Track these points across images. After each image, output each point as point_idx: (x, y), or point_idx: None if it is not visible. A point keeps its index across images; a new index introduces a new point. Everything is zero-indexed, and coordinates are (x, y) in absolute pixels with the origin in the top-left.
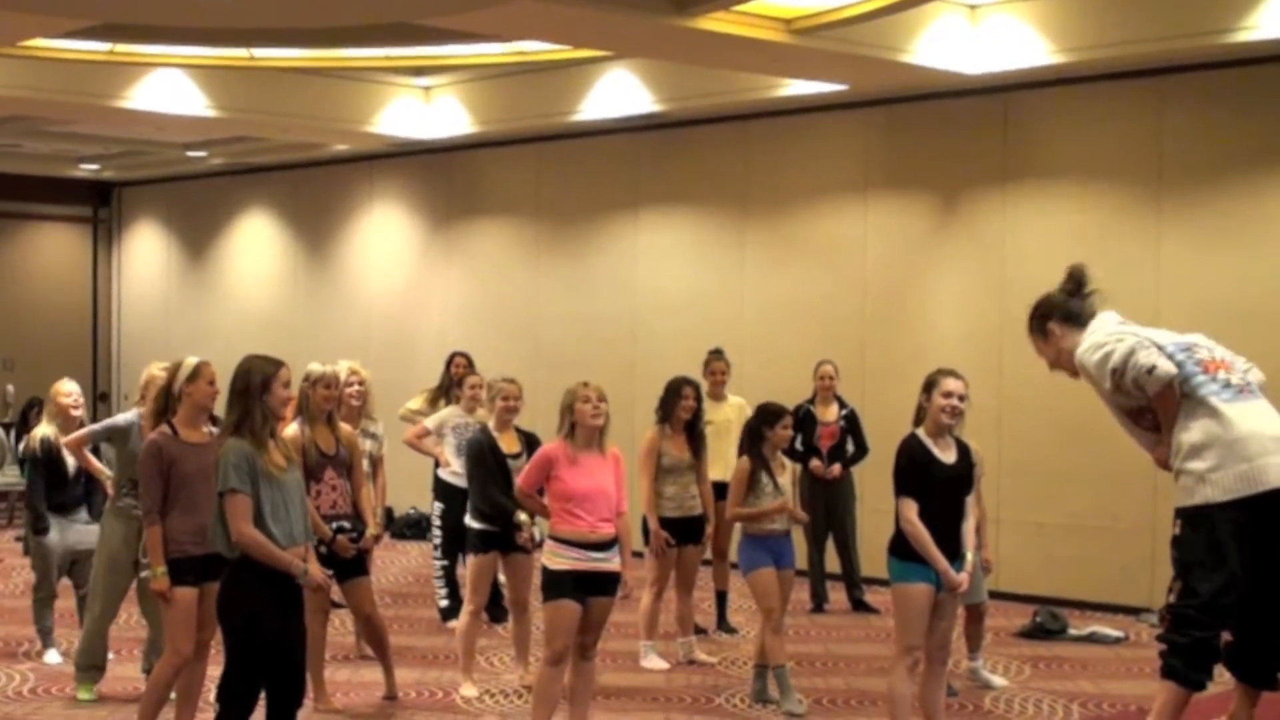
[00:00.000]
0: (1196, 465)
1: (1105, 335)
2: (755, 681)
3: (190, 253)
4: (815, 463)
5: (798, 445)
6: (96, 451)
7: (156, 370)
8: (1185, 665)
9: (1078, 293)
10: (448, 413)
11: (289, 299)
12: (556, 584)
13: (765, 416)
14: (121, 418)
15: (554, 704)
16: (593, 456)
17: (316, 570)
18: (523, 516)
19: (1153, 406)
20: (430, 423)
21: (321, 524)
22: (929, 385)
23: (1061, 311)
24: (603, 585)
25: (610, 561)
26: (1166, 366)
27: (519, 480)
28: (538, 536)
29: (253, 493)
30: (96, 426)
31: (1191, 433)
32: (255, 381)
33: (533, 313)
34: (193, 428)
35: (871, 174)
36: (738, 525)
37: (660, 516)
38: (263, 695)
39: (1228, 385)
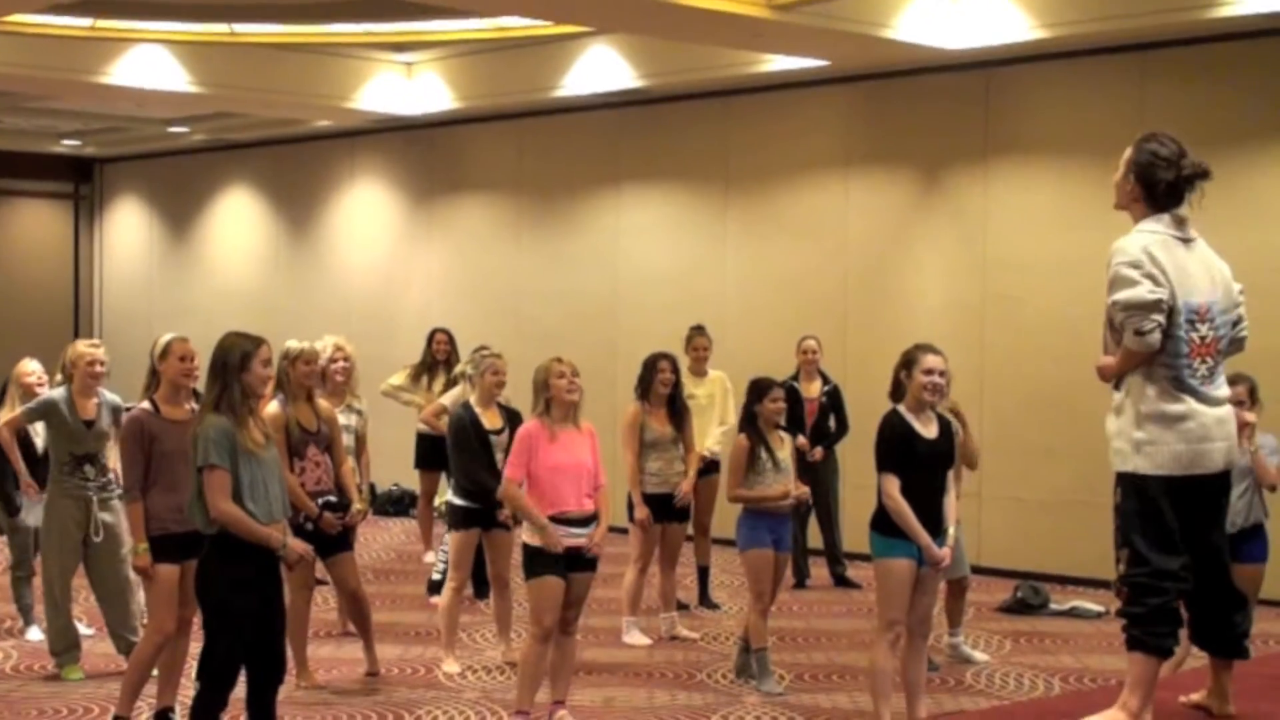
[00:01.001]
0: (1136, 434)
1: (1138, 254)
2: (739, 656)
3: (172, 229)
4: (801, 440)
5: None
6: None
7: (83, 347)
8: (1147, 633)
9: (1177, 185)
10: (461, 390)
11: (271, 275)
12: (539, 561)
13: (754, 391)
14: (54, 393)
15: (540, 680)
16: (570, 432)
17: (296, 543)
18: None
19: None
20: (447, 400)
21: (308, 501)
22: (908, 362)
23: (1148, 177)
24: (584, 560)
25: (584, 539)
26: (1151, 341)
27: (508, 472)
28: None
29: (231, 469)
30: (29, 405)
31: (1144, 402)
32: (234, 358)
33: (514, 289)
34: (174, 405)
35: (853, 150)
36: (724, 500)
37: (644, 492)
38: (244, 673)
39: (1206, 373)
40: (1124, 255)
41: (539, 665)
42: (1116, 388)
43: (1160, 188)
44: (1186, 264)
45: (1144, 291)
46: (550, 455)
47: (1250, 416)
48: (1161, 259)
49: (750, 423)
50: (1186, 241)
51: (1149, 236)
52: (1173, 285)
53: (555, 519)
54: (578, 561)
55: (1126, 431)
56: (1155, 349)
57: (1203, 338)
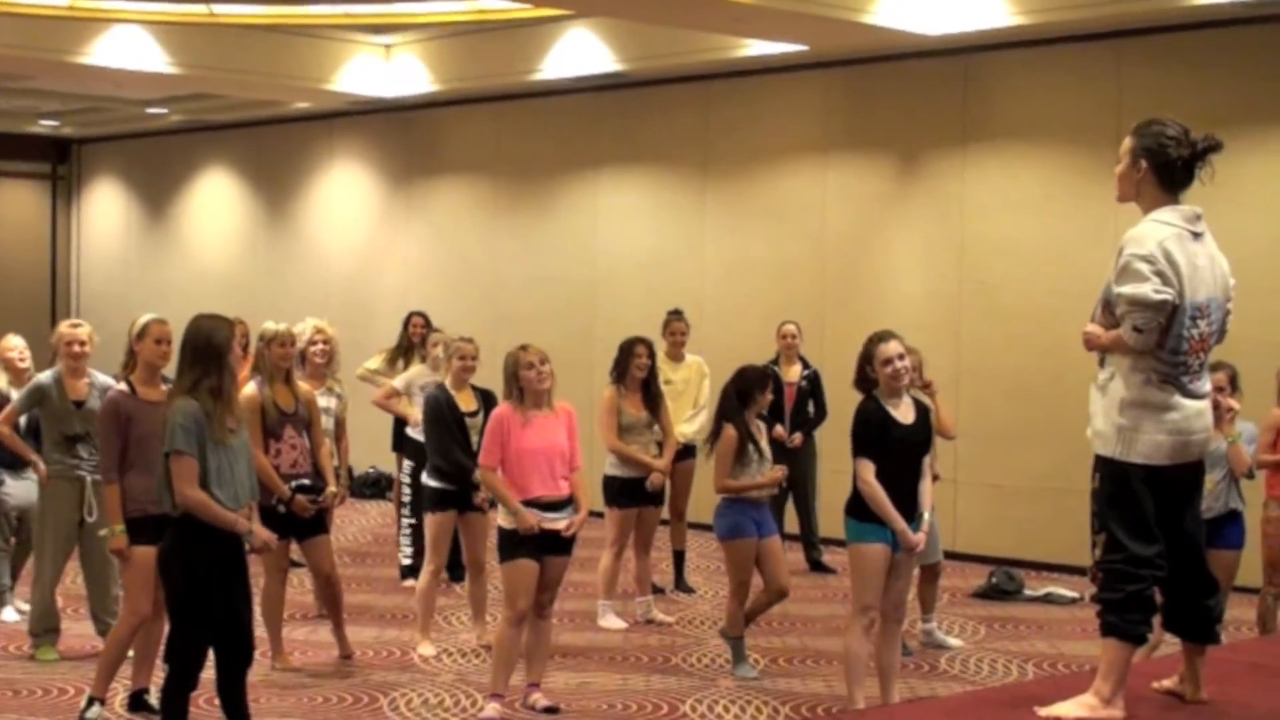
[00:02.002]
0: (1118, 419)
1: (1153, 249)
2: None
3: (150, 210)
4: (779, 429)
5: None
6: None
7: (64, 328)
8: (1122, 619)
9: (1191, 162)
10: (415, 372)
11: (248, 257)
12: (513, 544)
13: (752, 381)
14: (42, 376)
15: (514, 663)
16: (543, 416)
17: (261, 530)
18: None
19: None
20: (398, 382)
21: (279, 483)
22: (868, 355)
23: (1162, 159)
24: (559, 544)
25: (560, 522)
26: (1148, 340)
27: (482, 459)
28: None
29: (199, 455)
30: (21, 394)
31: (1130, 389)
32: (220, 340)
33: (492, 272)
34: (151, 386)
35: (832, 134)
36: (699, 484)
37: (620, 477)
38: (214, 655)
39: (1198, 368)
40: (1139, 247)
41: (513, 648)
42: (1101, 364)
43: (1177, 165)
44: (1197, 259)
45: (1149, 290)
46: (521, 440)
47: (1233, 403)
48: (1176, 256)
49: (738, 413)
50: (1197, 235)
51: (1166, 229)
52: (1183, 284)
53: (526, 504)
54: (552, 545)
55: (1109, 414)
56: (1150, 348)
57: (1201, 334)
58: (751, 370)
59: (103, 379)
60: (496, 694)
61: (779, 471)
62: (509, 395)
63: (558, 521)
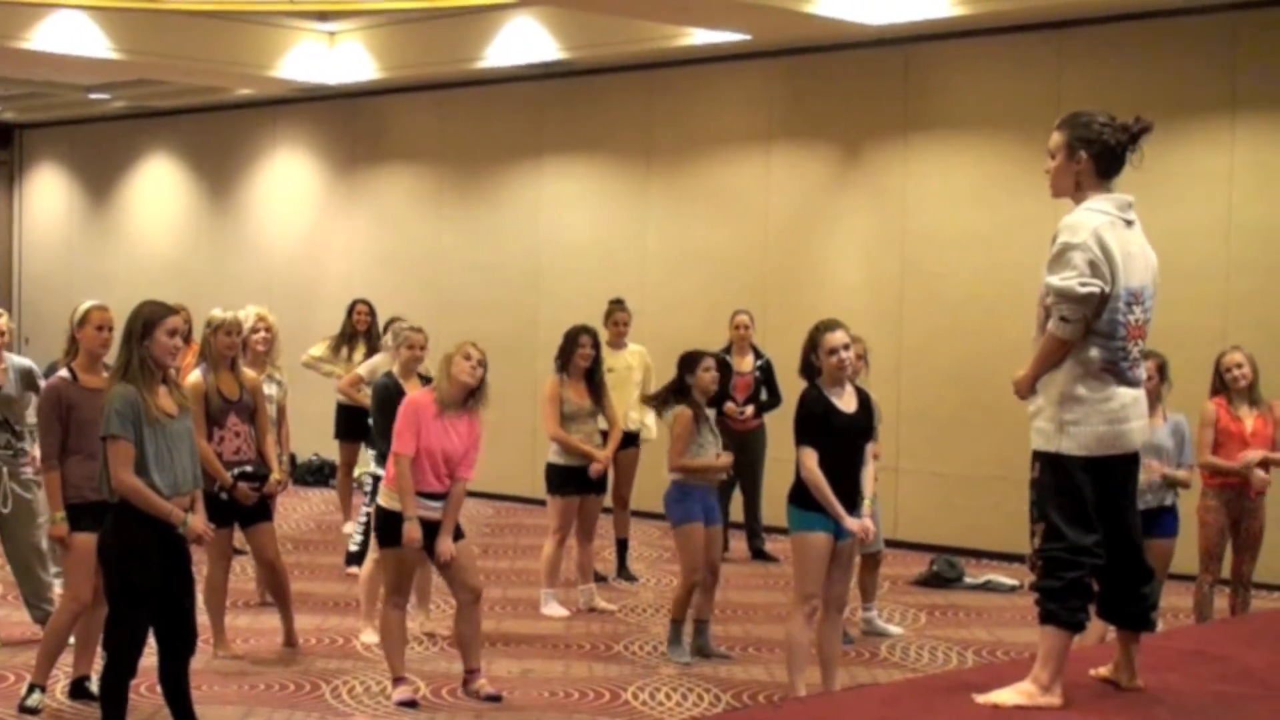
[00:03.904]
0: (1060, 414)
1: (1086, 237)
2: (697, 637)
3: (92, 196)
4: (729, 405)
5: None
6: None
7: None
8: (1062, 607)
9: (1128, 147)
10: (379, 360)
11: (191, 244)
12: (394, 531)
13: (685, 362)
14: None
15: (401, 647)
16: (458, 418)
17: (197, 521)
18: None
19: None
20: (363, 370)
21: (221, 470)
22: (813, 343)
23: (1100, 147)
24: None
25: (438, 511)
26: (1074, 332)
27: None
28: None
29: (136, 439)
30: None
31: (1071, 385)
32: (136, 327)
33: (436, 260)
34: (93, 373)
35: (774, 124)
36: (643, 472)
37: (563, 465)
38: (156, 643)
39: (1138, 355)
40: (1072, 235)
41: (397, 633)
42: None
43: (1115, 152)
44: (1130, 246)
45: (1075, 284)
46: (427, 435)
47: (1181, 476)
48: (1110, 244)
49: (686, 394)
50: (1129, 223)
51: (1100, 217)
52: (1116, 270)
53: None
54: (435, 534)
55: (1049, 411)
56: (1076, 340)
57: (1138, 320)
58: (689, 353)
59: (20, 362)
60: (398, 678)
61: (728, 458)
62: (437, 384)
63: (437, 511)
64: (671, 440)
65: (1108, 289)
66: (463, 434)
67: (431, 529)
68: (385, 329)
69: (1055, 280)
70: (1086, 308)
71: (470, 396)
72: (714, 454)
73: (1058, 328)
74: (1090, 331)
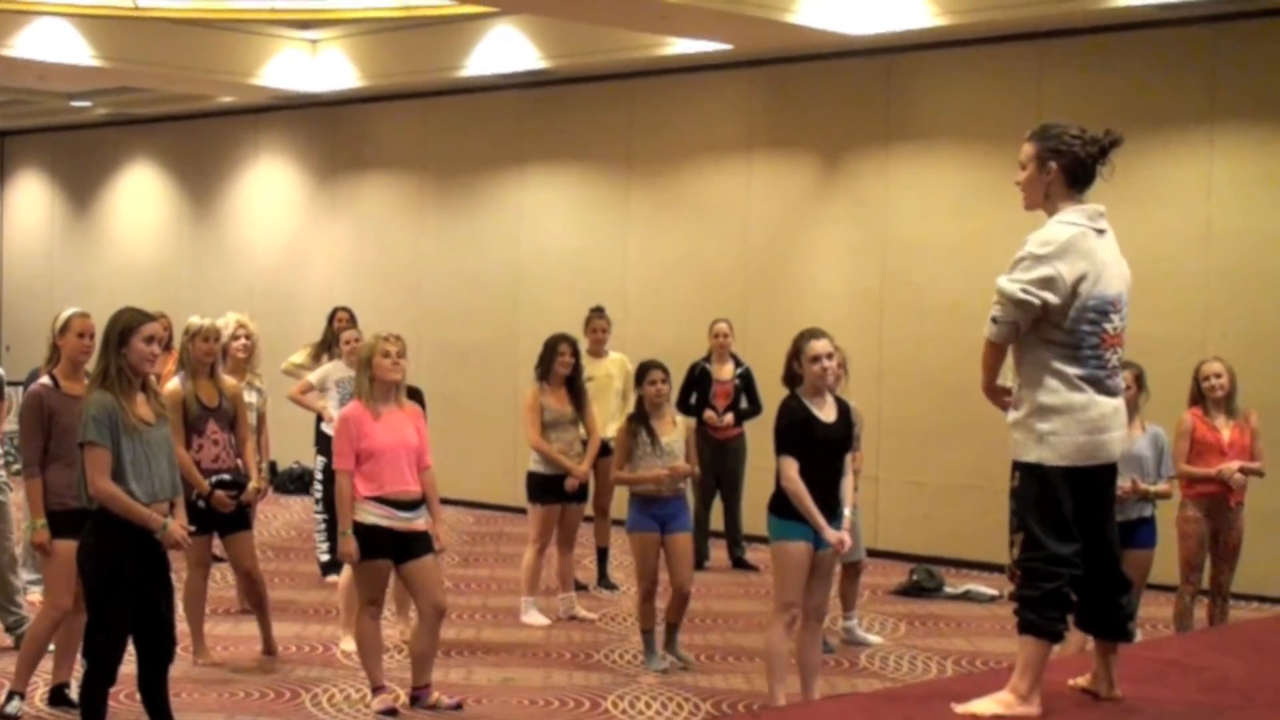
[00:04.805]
0: (1039, 425)
1: (1050, 251)
2: (667, 642)
3: (74, 203)
4: (709, 413)
5: (692, 401)
6: None
7: None
8: (1040, 617)
9: (1098, 159)
10: (330, 367)
11: (173, 251)
12: (368, 540)
13: (636, 375)
14: None
15: (378, 654)
16: (392, 411)
17: (175, 528)
18: None
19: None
20: (313, 377)
21: (199, 478)
22: (797, 351)
23: (1070, 159)
24: (415, 548)
25: (417, 521)
26: (1001, 335)
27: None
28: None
29: (113, 447)
30: None
31: (1050, 394)
32: (114, 334)
33: (417, 268)
34: (74, 380)
35: (755, 133)
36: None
37: (543, 473)
38: (135, 650)
39: (1116, 363)
40: (1038, 247)
41: (373, 642)
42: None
43: (1086, 164)
44: (1103, 255)
45: (1017, 289)
46: (372, 437)
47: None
48: (1082, 254)
49: (636, 405)
50: (1100, 233)
51: (1071, 229)
52: (1085, 283)
53: (379, 500)
54: (407, 548)
55: (1029, 423)
56: (1001, 343)
57: (1115, 329)
58: (640, 364)
59: None
60: (377, 686)
61: (658, 472)
62: (359, 387)
63: (414, 521)
64: (614, 453)
65: (1055, 302)
66: (406, 422)
67: (404, 539)
68: (336, 337)
69: (1002, 279)
70: (1021, 314)
71: (396, 389)
72: (653, 465)
73: (986, 327)
74: (1068, 343)
